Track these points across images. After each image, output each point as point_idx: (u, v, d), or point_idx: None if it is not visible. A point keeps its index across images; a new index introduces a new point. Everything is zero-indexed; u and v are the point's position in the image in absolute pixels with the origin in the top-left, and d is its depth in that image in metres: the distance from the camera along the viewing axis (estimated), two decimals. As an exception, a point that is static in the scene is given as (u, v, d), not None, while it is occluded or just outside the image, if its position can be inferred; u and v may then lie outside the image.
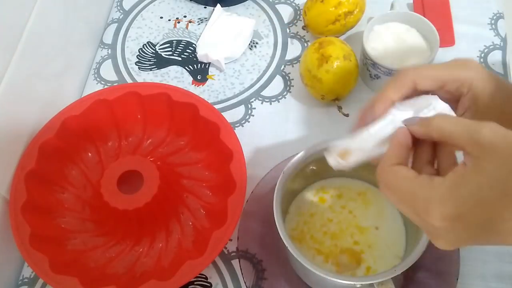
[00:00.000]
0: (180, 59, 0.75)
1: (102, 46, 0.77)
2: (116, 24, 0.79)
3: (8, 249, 0.57)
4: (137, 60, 0.75)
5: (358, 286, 0.47)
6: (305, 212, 0.57)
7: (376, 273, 0.52)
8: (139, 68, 0.74)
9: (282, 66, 0.73)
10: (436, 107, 0.40)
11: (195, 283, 0.58)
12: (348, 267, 0.53)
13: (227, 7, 0.78)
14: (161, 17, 0.79)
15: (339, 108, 0.65)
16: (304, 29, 0.76)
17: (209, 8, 0.79)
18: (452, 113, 0.40)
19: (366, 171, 0.55)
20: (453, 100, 0.42)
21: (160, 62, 0.75)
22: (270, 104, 0.70)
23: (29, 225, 0.55)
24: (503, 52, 0.71)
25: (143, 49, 0.76)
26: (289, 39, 0.75)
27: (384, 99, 0.42)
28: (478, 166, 0.33)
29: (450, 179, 0.34)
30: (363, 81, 0.69)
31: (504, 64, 0.70)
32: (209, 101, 0.64)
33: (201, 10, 0.79)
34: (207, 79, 0.73)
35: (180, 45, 0.76)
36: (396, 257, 0.53)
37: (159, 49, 0.76)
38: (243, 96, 0.70)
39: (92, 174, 0.63)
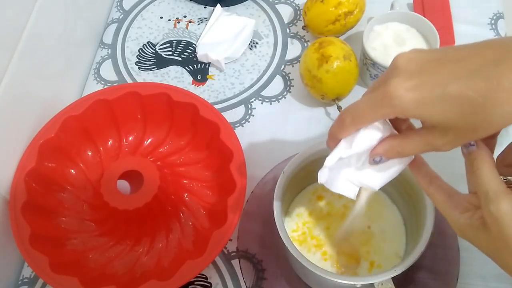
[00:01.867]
0: (180, 59, 0.75)
1: (102, 46, 0.77)
2: (116, 24, 0.79)
3: (8, 249, 0.57)
4: (137, 60, 0.75)
5: (358, 286, 0.47)
6: (305, 212, 0.57)
7: (377, 273, 0.52)
8: (139, 68, 0.74)
9: (282, 66, 0.73)
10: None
11: (195, 283, 0.58)
12: (348, 268, 0.53)
13: (227, 7, 0.78)
14: (161, 17, 0.79)
15: (339, 108, 0.65)
16: (304, 29, 0.76)
17: (209, 8, 0.79)
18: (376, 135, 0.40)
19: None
20: None
21: (160, 62, 0.75)
22: (270, 104, 0.70)
23: (29, 225, 0.55)
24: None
25: (143, 49, 0.76)
26: (289, 39, 0.75)
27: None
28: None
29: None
30: (363, 81, 0.69)
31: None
32: (209, 101, 0.64)
33: (201, 10, 0.79)
34: (207, 79, 0.73)
35: (180, 45, 0.76)
36: (396, 256, 0.53)
37: (159, 49, 0.76)
38: (243, 96, 0.70)
39: (92, 174, 0.63)
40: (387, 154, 0.39)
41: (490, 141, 0.39)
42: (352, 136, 0.40)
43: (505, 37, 0.35)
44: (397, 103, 0.34)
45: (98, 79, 0.74)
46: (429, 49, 0.37)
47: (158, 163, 0.63)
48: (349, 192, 0.44)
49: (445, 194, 0.39)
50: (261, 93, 0.70)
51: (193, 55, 0.75)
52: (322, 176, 0.42)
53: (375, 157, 0.40)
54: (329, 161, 0.42)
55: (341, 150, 0.41)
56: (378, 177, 0.43)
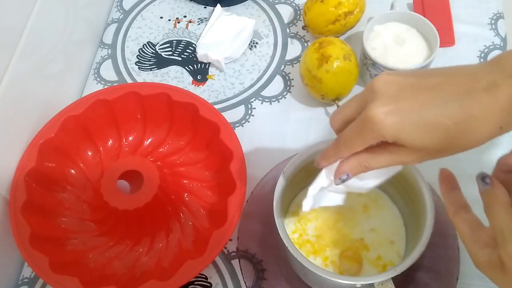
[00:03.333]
0: (180, 59, 0.75)
1: (102, 46, 0.77)
2: (116, 24, 0.79)
3: (8, 249, 0.57)
4: (137, 60, 0.75)
5: (358, 286, 0.47)
6: (304, 214, 0.57)
7: (379, 273, 0.52)
8: (139, 68, 0.74)
9: (282, 66, 0.73)
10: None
11: (195, 283, 0.58)
12: (348, 270, 0.53)
13: (227, 7, 0.78)
14: (161, 17, 0.79)
15: (339, 108, 0.65)
16: (304, 29, 0.76)
17: (209, 8, 0.79)
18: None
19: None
20: None
21: (160, 62, 0.75)
22: (270, 104, 0.70)
23: (29, 225, 0.55)
24: (503, 52, 0.71)
25: (143, 49, 0.76)
26: (289, 39, 0.75)
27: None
28: None
29: None
30: (363, 81, 0.69)
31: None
32: (209, 101, 0.64)
33: (201, 10, 0.79)
34: (207, 79, 0.73)
35: (180, 45, 0.76)
36: (397, 255, 0.54)
37: (159, 49, 0.76)
38: (243, 96, 0.70)
39: (92, 174, 0.63)
40: (354, 171, 0.41)
41: (509, 175, 0.40)
42: (331, 167, 0.43)
43: (473, 65, 0.38)
44: (377, 128, 0.37)
45: (98, 79, 0.74)
46: (403, 72, 0.39)
47: (158, 163, 0.63)
48: (337, 200, 0.46)
49: (469, 227, 0.39)
50: (261, 93, 0.70)
51: (193, 55, 0.75)
52: (307, 205, 0.45)
53: (341, 176, 0.42)
54: (312, 190, 0.45)
55: (323, 180, 0.45)
56: (366, 182, 0.44)
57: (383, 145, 0.39)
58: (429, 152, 0.38)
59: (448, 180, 0.42)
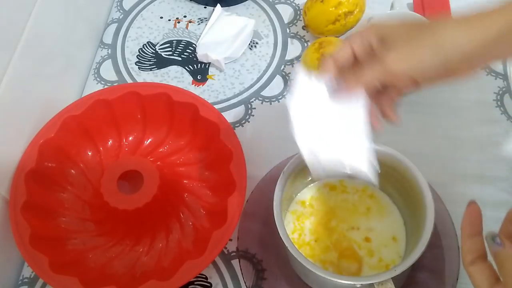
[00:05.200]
0: (180, 59, 0.75)
1: (102, 46, 0.77)
2: (116, 24, 0.79)
3: (8, 249, 0.57)
4: (137, 60, 0.75)
5: (358, 286, 0.47)
6: (305, 212, 0.57)
7: (378, 273, 0.52)
8: (139, 68, 0.74)
9: (282, 66, 0.73)
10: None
11: (195, 283, 0.58)
12: (347, 269, 0.53)
13: (227, 7, 0.78)
14: (161, 17, 0.79)
15: (339, 108, 0.65)
16: (304, 29, 0.76)
17: (209, 8, 0.79)
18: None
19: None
20: None
21: (160, 62, 0.75)
22: (270, 104, 0.70)
23: (29, 225, 0.55)
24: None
25: (143, 49, 0.76)
26: (289, 39, 0.75)
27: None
28: None
29: None
30: (363, 81, 0.69)
31: (504, 64, 0.70)
32: (209, 101, 0.64)
33: (201, 10, 0.79)
34: (207, 79, 0.73)
35: (180, 45, 0.76)
36: (397, 255, 0.54)
37: (159, 49, 0.76)
38: (243, 96, 0.70)
39: (92, 174, 0.63)
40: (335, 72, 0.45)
41: None
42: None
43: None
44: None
45: (98, 79, 0.74)
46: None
47: (158, 163, 0.63)
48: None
49: (486, 279, 0.38)
50: (261, 93, 0.70)
51: (193, 55, 0.75)
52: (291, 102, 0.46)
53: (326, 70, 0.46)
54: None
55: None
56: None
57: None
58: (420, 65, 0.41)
59: (474, 221, 0.40)
